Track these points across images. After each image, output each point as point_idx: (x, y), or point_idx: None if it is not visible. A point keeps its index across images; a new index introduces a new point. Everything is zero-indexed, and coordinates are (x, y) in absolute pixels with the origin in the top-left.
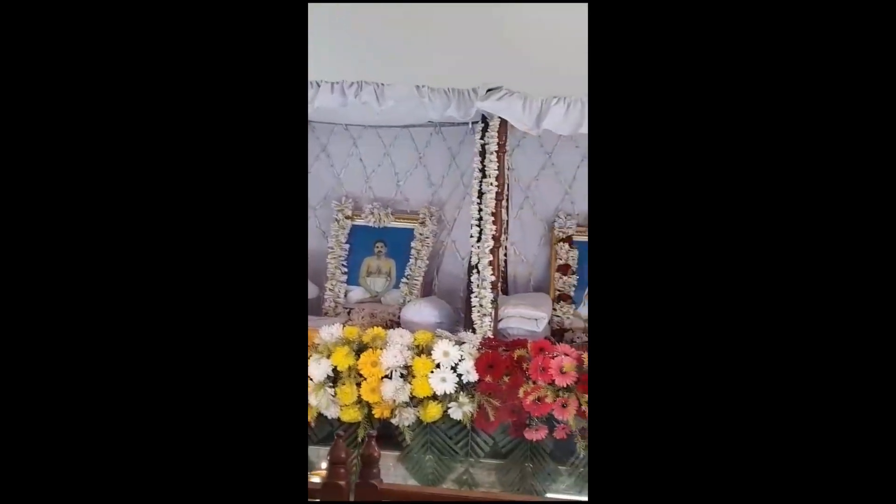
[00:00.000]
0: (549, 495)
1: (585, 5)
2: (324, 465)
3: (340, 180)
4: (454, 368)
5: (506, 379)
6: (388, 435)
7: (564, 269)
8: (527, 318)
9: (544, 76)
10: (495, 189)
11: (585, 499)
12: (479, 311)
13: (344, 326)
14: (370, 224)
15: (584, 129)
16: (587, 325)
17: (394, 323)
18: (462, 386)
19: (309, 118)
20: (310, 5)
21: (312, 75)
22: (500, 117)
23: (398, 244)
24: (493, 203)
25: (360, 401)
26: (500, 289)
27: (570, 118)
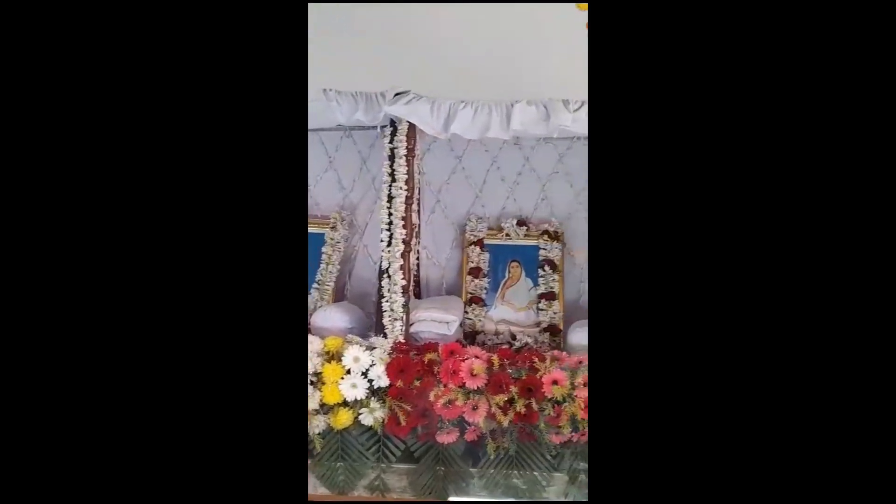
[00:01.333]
0: (453, 498)
1: (500, 6)
2: None
3: None
4: (365, 374)
5: (417, 383)
6: None
7: (476, 272)
8: (438, 321)
9: (453, 80)
10: (405, 193)
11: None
12: (390, 316)
13: None
14: None
15: (492, 133)
16: (498, 326)
17: None
18: (373, 391)
19: None
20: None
21: None
22: (408, 121)
23: (309, 249)
24: (402, 207)
25: None
26: (412, 292)
27: (477, 122)
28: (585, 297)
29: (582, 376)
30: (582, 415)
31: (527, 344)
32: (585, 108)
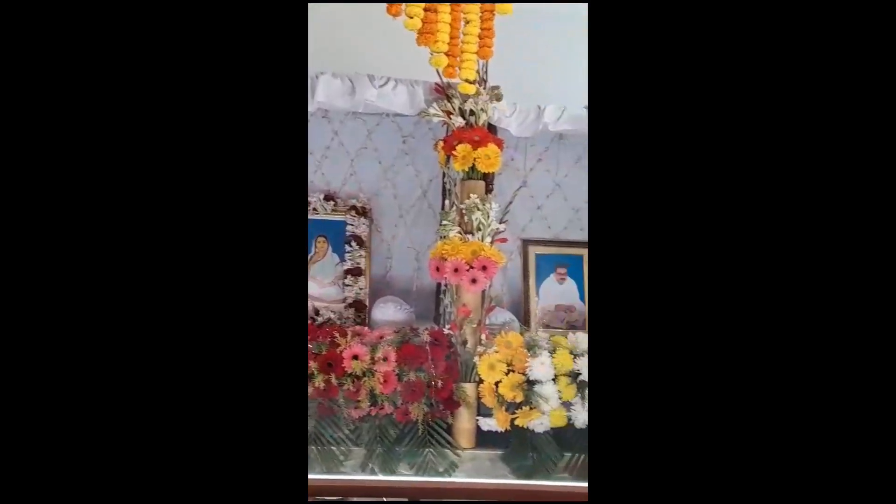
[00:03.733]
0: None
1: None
2: None
3: None
4: None
5: None
6: None
7: None
8: None
9: None
10: None
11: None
12: None
13: None
14: None
15: None
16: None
17: None
18: None
19: None
20: None
21: None
22: None
23: None
24: None
25: None
26: None
27: None
28: (392, 273)
29: (382, 350)
30: (381, 389)
31: (330, 319)
32: (391, 85)
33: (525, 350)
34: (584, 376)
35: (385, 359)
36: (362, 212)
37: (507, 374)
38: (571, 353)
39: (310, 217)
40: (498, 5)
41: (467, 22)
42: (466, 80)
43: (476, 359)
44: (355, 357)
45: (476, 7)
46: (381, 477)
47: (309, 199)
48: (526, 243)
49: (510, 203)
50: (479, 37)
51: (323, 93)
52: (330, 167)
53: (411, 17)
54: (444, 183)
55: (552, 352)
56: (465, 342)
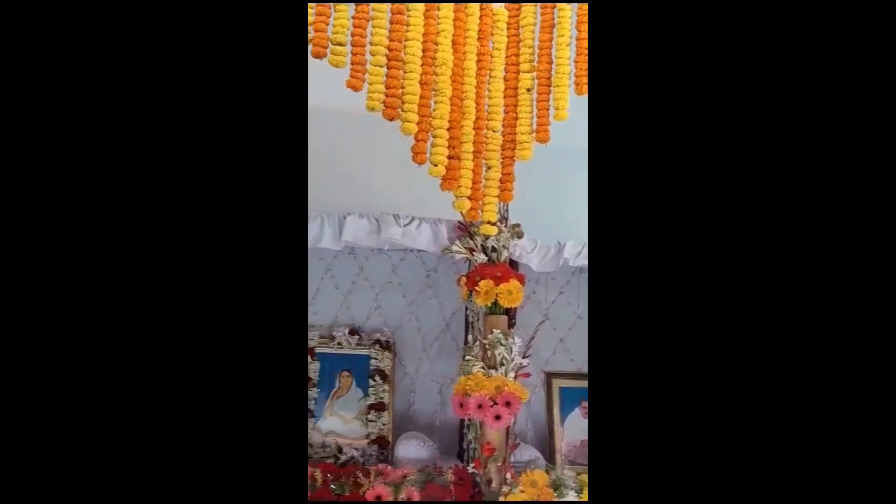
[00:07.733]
0: None
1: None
2: None
3: None
4: None
5: None
6: None
7: None
8: None
9: None
10: None
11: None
12: None
13: None
14: None
15: (325, 244)
16: (326, 438)
17: None
18: None
19: None
20: None
21: None
22: None
23: None
24: None
25: None
26: None
27: (309, 233)
28: (415, 407)
29: (405, 491)
30: None
31: (353, 458)
32: (415, 224)
33: (551, 489)
34: None
35: (409, 499)
36: (386, 346)
37: None
38: None
39: (334, 351)
40: (518, 152)
41: (489, 168)
42: (488, 223)
43: (501, 499)
44: (378, 498)
45: (497, 154)
46: None
47: (334, 333)
48: (549, 376)
49: (533, 337)
50: (501, 181)
51: (350, 232)
52: (355, 302)
53: (436, 165)
54: (466, 316)
55: (579, 491)
56: (489, 481)
